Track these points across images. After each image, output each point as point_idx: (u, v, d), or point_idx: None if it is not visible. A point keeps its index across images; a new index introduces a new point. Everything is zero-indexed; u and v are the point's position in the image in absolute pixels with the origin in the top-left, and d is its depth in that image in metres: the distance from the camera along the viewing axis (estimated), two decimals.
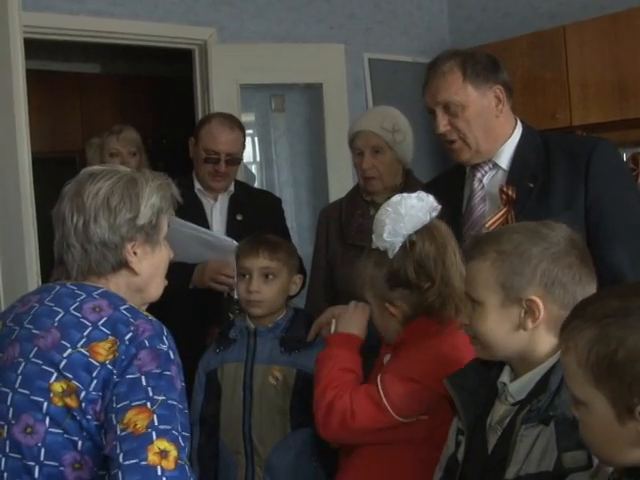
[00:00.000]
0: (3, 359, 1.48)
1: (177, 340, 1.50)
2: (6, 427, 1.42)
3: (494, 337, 1.49)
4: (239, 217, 3.02)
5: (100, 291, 1.51)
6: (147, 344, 1.41)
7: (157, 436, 1.32)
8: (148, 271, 1.59)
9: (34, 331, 1.46)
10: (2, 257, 2.86)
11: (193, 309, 2.81)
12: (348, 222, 2.84)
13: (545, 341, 1.47)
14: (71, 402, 1.38)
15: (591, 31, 4.20)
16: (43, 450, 1.39)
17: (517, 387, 1.49)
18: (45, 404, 1.39)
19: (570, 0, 4.55)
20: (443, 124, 2.13)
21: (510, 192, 2.03)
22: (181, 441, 1.35)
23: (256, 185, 4.45)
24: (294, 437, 2.26)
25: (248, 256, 2.33)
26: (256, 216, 3.00)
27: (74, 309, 1.46)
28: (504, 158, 2.15)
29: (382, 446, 1.78)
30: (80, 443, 1.39)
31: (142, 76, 6.01)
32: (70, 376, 1.39)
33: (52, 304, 1.49)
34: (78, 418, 1.38)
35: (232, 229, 2.98)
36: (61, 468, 1.39)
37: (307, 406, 2.21)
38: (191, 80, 4.38)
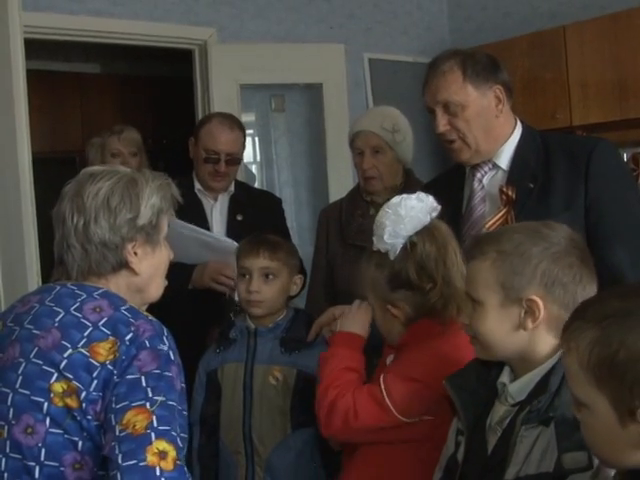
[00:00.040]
0: (3, 359, 1.48)
1: (178, 340, 1.51)
2: (6, 427, 1.42)
3: (494, 337, 1.49)
4: (239, 217, 3.02)
5: (100, 291, 1.51)
6: (147, 344, 1.41)
7: (156, 437, 1.32)
8: (148, 271, 1.59)
9: (34, 331, 1.46)
10: (2, 257, 2.86)
11: (194, 310, 2.81)
12: (348, 222, 2.84)
13: (545, 341, 1.47)
14: (71, 402, 1.38)
15: (591, 31, 4.20)
16: (43, 450, 1.39)
17: (517, 388, 1.49)
18: (45, 404, 1.39)
19: (570, 0, 4.55)
20: (442, 124, 2.12)
21: (510, 192, 2.03)
22: (179, 442, 1.35)
23: (256, 185, 4.45)
24: (294, 437, 2.26)
25: (248, 256, 2.33)
26: (256, 216, 3.00)
27: (74, 309, 1.46)
28: (504, 158, 2.15)
29: (385, 446, 1.78)
30: (80, 443, 1.39)
31: (142, 76, 6.01)
32: (70, 376, 1.39)
33: (52, 304, 1.49)
34: (78, 418, 1.38)
35: (232, 229, 2.98)
36: (61, 468, 1.39)
37: (307, 406, 2.21)
38: (191, 80, 4.38)
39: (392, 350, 1.89)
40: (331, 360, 1.83)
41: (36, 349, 1.44)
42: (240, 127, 3.04)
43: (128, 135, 3.55)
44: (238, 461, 2.28)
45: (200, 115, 4.14)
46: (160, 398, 1.36)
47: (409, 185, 2.72)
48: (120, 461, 1.31)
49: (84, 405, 1.38)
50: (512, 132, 2.17)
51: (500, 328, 1.48)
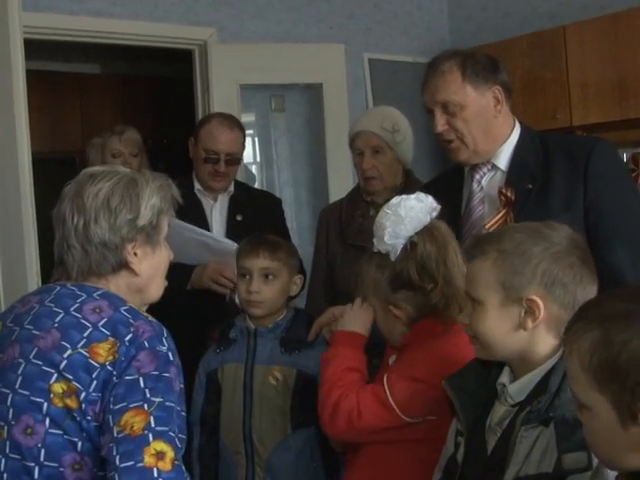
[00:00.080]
0: (3, 360, 1.48)
1: (178, 341, 1.51)
2: (6, 428, 1.42)
3: (493, 337, 1.49)
4: (239, 217, 3.02)
5: (100, 292, 1.51)
6: (147, 345, 1.41)
7: (154, 438, 1.32)
8: (148, 272, 1.59)
9: (34, 332, 1.46)
10: (2, 257, 2.86)
11: (194, 310, 2.81)
12: (348, 222, 2.84)
13: (545, 341, 1.47)
14: (71, 403, 1.38)
15: (591, 31, 4.20)
16: (43, 451, 1.39)
17: (517, 388, 1.48)
18: (45, 405, 1.39)
19: (570, 0, 4.55)
20: (441, 124, 2.12)
21: (509, 194, 2.03)
22: (177, 443, 1.35)
23: (256, 185, 4.45)
24: (294, 437, 2.25)
25: (248, 256, 2.33)
26: (256, 216, 3.00)
27: (74, 310, 1.46)
28: (502, 159, 2.15)
29: (387, 446, 1.78)
30: (80, 444, 1.39)
31: (142, 76, 6.01)
32: (70, 377, 1.39)
33: (52, 305, 1.49)
34: (78, 419, 1.38)
35: (232, 229, 2.98)
36: (61, 469, 1.39)
37: (307, 406, 2.22)
38: (191, 80, 4.38)
39: (394, 351, 1.89)
40: (334, 360, 1.83)
41: (36, 349, 1.44)
42: (240, 127, 3.05)
43: (129, 135, 3.55)
44: (238, 461, 2.28)
45: (200, 115, 4.14)
46: (158, 399, 1.36)
47: (409, 185, 2.71)
48: (118, 462, 1.31)
49: (84, 406, 1.38)
50: (511, 133, 2.16)
51: (500, 328, 1.48)
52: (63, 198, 1.57)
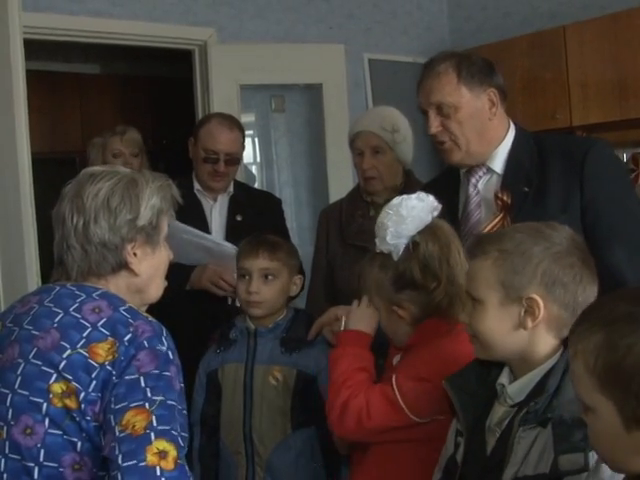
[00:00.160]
0: (3, 360, 1.48)
1: (178, 341, 1.50)
2: (5, 428, 1.42)
3: (493, 336, 1.49)
4: (239, 218, 3.02)
5: (100, 292, 1.51)
6: (146, 345, 1.41)
7: (156, 437, 1.32)
8: (148, 272, 1.59)
9: (34, 332, 1.46)
10: (2, 257, 2.86)
11: (194, 310, 2.81)
12: (348, 223, 2.84)
13: (545, 342, 1.47)
14: (70, 403, 1.38)
15: (591, 31, 4.20)
16: (43, 451, 1.38)
17: (516, 389, 1.48)
18: (44, 405, 1.39)
19: (570, 0, 4.55)
20: (435, 125, 2.12)
21: (505, 198, 2.02)
22: (180, 441, 1.35)
23: (256, 185, 4.46)
24: (294, 437, 2.25)
25: (248, 257, 2.32)
26: (256, 217, 3.00)
27: (74, 310, 1.46)
28: (498, 162, 2.14)
29: (396, 445, 1.77)
30: (79, 444, 1.39)
31: (142, 76, 6.01)
32: (70, 377, 1.39)
33: (52, 305, 1.49)
34: (77, 419, 1.38)
35: (232, 230, 2.98)
36: (61, 469, 1.39)
37: (307, 406, 2.22)
38: (191, 81, 4.38)
39: (398, 351, 1.89)
40: (342, 360, 1.82)
41: (35, 350, 1.43)
42: (239, 127, 3.04)
43: (130, 136, 3.55)
44: (238, 461, 2.28)
45: (200, 115, 4.15)
46: (159, 398, 1.36)
47: (409, 185, 2.71)
48: (120, 461, 1.30)
49: (83, 406, 1.38)
50: (505, 135, 2.15)
51: (500, 327, 1.48)
52: (63, 198, 1.57)
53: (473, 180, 2.16)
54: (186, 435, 1.39)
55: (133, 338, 1.41)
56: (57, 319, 1.45)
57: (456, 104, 2.08)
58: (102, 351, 1.40)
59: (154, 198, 1.57)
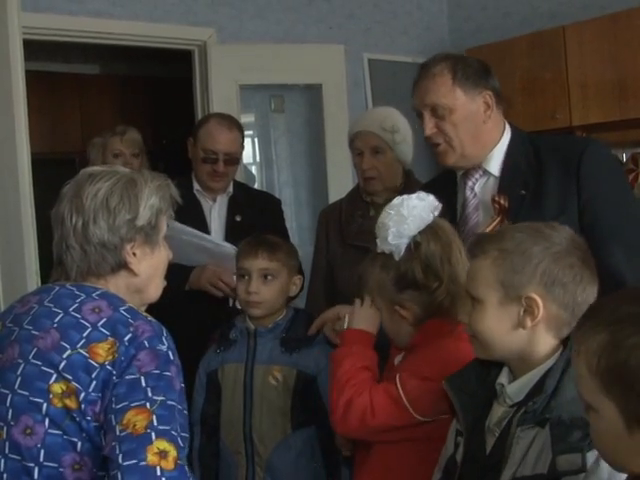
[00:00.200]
0: (2, 360, 1.48)
1: (178, 341, 1.50)
2: (5, 428, 1.42)
3: (492, 335, 1.48)
4: (238, 218, 3.02)
5: (99, 292, 1.51)
6: (146, 345, 1.41)
7: (156, 436, 1.32)
8: (147, 272, 1.59)
9: (33, 332, 1.46)
10: (1, 257, 2.86)
11: (194, 311, 2.81)
12: (348, 223, 2.84)
13: (544, 341, 1.46)
14: (70, 403, 1.38)
15: (591, 31, 4.20)
16: (43, 451, 1.38)
17: (515, 389, 1.48)
18: (44, 405, 1.39)
19: (570, 0, 4.55)
20: (430, 127, 2.11)
21: (502, 201, 2.02)
22: (180, 441, 1.35)
23: (256, 186, 4.45)
24: (294, 437, 2.26)
25: (247, 257, 2.32)
26: (255, 217, 3.00)
27: (73, 310, 1.46)
28: (494, 164, 2.13)
29: (400, 444, 1.77)
30: (79, 444, 1.39)
31: (141, 77, 6.02)
32: (70, 377, 1.39)
33: (51, 305, 1.49)
34: (77, 419, 1.38)
35: (231, 230, 2.98)
36: (61, 469, 1.39)
37: (308, 406, 2.22)
38: (190, 81, 4.38)
39: (399, 351, 1.89)
40: (345, 359, 1.82)
41: (35, 350, 1.43)
42: (238, 127, 3.04)
43: (130, 136, 3.55)
44: (238, 461, 2.28)
45: (199, 116, 4.14)
46: (160, 398, 1.36)
47: (409, 186, 2.71)
48: (120, 461, 1.30)
49: (83, 406, 1.38)
50: (500, 138, 2.15)
51: (499, 326, 1.48)
52: (62, 198, 1.57)
53: (470, 183, 2.16)
54: (186, 435, 1.39)
55: (133, 338, 1.41)
56: (57, 319, 1.45)
57: (451, 106, 2.08)
58: (102, 351, 1.40)
59: (153, 198, 1.57)
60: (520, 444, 1.39)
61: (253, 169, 4.70)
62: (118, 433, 1.33)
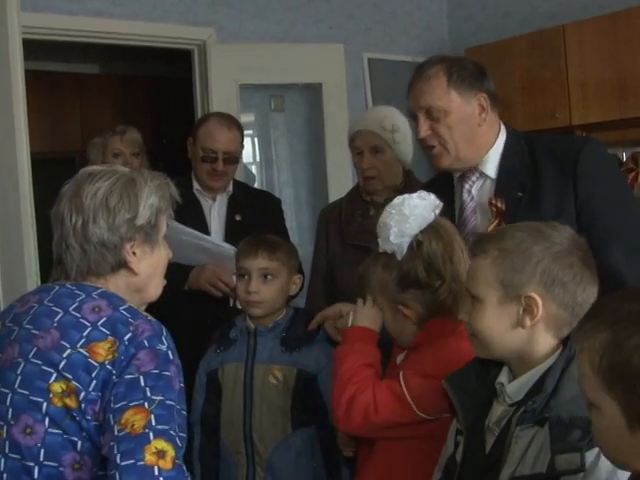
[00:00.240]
0: (2, 359, 1.48)
1: (178, 341, 1.50)
2: (5, 428, 1.42)
3: (492, 334, 1.48)
4: (238, 217, 3.02)
5: (99, 291, 1.51)
6: (146, 344, 1.41)
7: (154, 436, 1.32)
8: (147, 271, 1.58)
9: (33, 331, 1.46)
10: (1, 257, 2.86)
11: (194, 310, 2.81)
12: (348, 222, 2.84)
13: (544, 341, 1.46)
14: (70, 402, 1.38)
15: (590, 30, 4.20)
16: (43, 451, 1.38)
17: (515, 388, 1.48)
18: (44, 404, 1.39)
19: (570, 0, 4.55)
20: (424, 129, 2.10)
21: (499, 204, 2.01)
22: (178, 441, 1.35)
23: (256, 185, 4.45)
24: (295, 437, 2.26)
25: (247, 256, 2.32)
26: (255, 216, 3.00)
27: (73, 309, 1.46)
28: (490, 166, 2.12)
29: (403, 442, 1.77)
30: (80, 444, 1.39)
31: (141, 76, 6.02)
32: (70, 376, 1.39)
33: (51, 304, 1.49)
34: (77, 419, 1.38)
35: (231, 229, 2.98)
36: (61, 469, 1.39)
37: (308, 406, 2.22)
38: (190, 80, 4.38)
39: (401, 350, 1.89)
40: (348, 356, 1.82)
41: (35, 349, 1.43)
42: (238, 126, 3.04)
43: (130, 136, 3.55)
44: (239, 461, 2.28)
45: (199, 115, 4.14)
46: (159, 398, 1.36)
47: (409, 185, 2.71)
48: (118, 460, 1.30)
49: (83, 405, 1.38)
50: (496, 140, 2.14)
51: (498, 325, 1.48)
52: (61, 197, 1.57)
53: (467, 186, 2.15)
54: (184, 435, 1.39)
55: (133, 337, 1.41)
56: (57, 318, 1.45)
57: (446, 108, 2.07)
58: (102, 350, 1.40)
59: (153, 197, 1.57)
60: (519, 443, 1.39)
61: (253, 169, 4.70)
62: (116, 433, 1.33)
